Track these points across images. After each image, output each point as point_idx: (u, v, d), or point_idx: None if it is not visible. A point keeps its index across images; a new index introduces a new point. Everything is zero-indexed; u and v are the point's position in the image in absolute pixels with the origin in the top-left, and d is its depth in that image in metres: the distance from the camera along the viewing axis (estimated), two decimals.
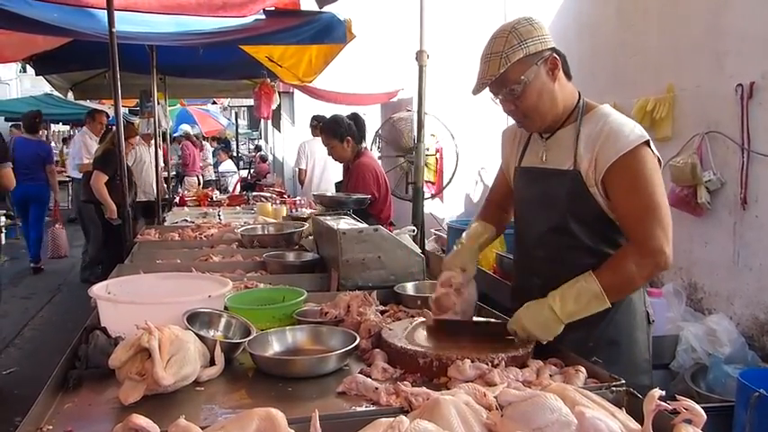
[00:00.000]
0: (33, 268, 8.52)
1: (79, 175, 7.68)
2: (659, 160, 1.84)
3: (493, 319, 2.03)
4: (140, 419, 1.16)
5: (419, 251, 2.69)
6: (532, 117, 1.90)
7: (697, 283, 3.53)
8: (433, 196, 6.90)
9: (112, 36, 3.87)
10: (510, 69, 1.80)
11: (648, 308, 2.05)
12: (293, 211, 5.11)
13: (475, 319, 2.01)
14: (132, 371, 1.50)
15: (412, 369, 1.67)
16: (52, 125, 18.50)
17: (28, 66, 8.15)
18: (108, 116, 8.16)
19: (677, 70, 3.63)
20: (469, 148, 6.40)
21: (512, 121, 2.05)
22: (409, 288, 2.46)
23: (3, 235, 6.10)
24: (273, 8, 4.95)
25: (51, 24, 4.31)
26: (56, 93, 10.76)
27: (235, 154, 17.25)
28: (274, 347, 1.84)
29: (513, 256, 2.24)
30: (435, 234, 6.30)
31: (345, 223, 2.88)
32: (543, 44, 1.83)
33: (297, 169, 7.82)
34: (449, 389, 1.47)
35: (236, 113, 22.77)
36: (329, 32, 4.98)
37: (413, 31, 3.97)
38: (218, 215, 5.41)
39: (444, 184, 6.85)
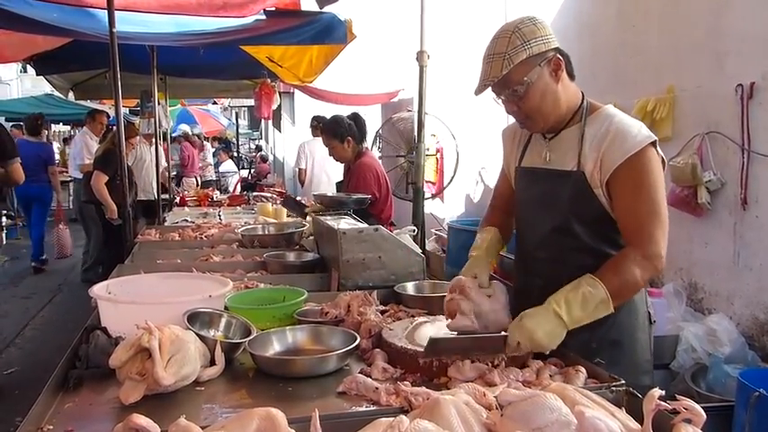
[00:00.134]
0: (34, 268, 8.54)
1: (81, 176, 7.70)
2: (663, 160, 1.83)
3: (489, 334, 1.79)
4: (141, 419, 1.16)
5: (419, 251, 2.69)
6: (535, 118, 1.89)
7: (697, 283, 3.53)
8: (433, 196, 6.90)
9: (113, 36, 3.88)
10: (512, 71, 1.78)
11: (650, 308, 2.04)
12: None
13: (469, 336, 1.77)
14: (133, 371, 1.50)
15: (412, 369, 1.67)
16: (53, 125, 18.49)
17: (28, 66, 8.16)
18: (108, 116, 8.17)
19: (678, 70, 3.63)
20: (470, 148, 6.40)
21: (513, 121, 2.04)
22: (409, 288, 2.45)
23: (3, 234, 6.10)
24: (274, 8, 4.95)
25: (52, 24, 4.31)
26: (56, 93, 10.77)
27: (235, 154, 17.27)
28: (275, 347, 1.84)
29: (514, 256, 2.22)
30: (436, 234, 6.32)
31: (346, 223, 2.88)
32: (546, 45, 1.81)
33: (297, 169, 7.84)
34: (449, 389, 1.47)
35: (236, 114, 22.78)
36: (330, 33, 4.98)
37: (413, 32, 3.98)
38: (219, 215, 5.41)
39: (445, 185, 6.85)
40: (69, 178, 10.04)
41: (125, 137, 4.65)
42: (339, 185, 5.03)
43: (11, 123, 13.69)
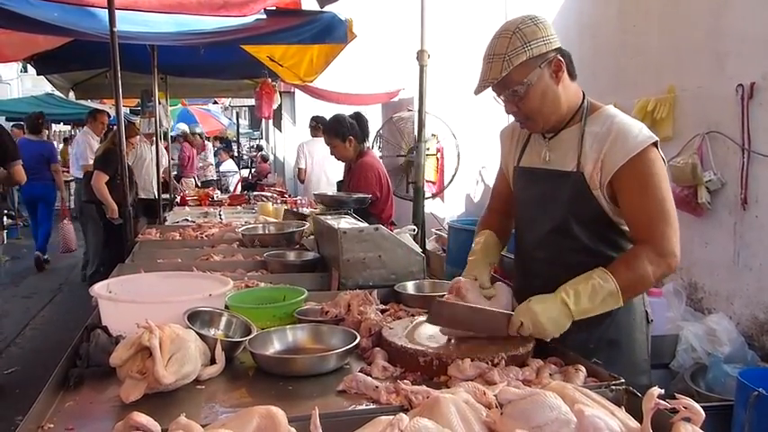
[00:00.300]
0: (36, 262, 8.53)
1: (82, 176, 7.70)
2: (663, 160, 1.83)
3: (494, 309, 1.83)
4: (141, 417, 1.16)
5: (420, 250, 2.69)
6: (535, 119, 1.89)
7: (697, 282, 3.53)
8: (433, 196, 6.90)
9: (113, 36, 3.88)
10: (512, 72, 1.77)
11: (647, 307, 2.05)
12: (294, 209, 5.11)
13: (476, 306, 1.84)
14: (133, 369, 1.50)
15: (412, 368, 1.68)
16: (53, 125, 18.51)
17: (29, 65, 8.16)
18: (109, 116, 8.18)
19: (678, 71, 3.63)
20: (471, 148, 6.40)
21: (513, 120, 2.04)
22: (410, 287, 2.45)
23: (4, 233, 6.10)
24: (274, 8, 4.95)
25: (52, 24, 4.31)
26: (57, 92, 10.77)
27: (236, 154, 17.26)
28: (275, 346, 1.84)
29: (514, 256, 2.22)
30: (436, 234, 6.32)
31: (346, 222, 2.88)
32: (547, 45, 1.80)
33: (297, 169, 7.84)
34: (449, 387, 1.47)
35: (237, 113, 22.78)
36: (330, 32, 4.98)
37: (414, 31, 3.98)
38: (219, 215, 5.42)
39: (445, 184, 6.85)
40: (71, 178, 10.06)
41: (125, 136, 4.65)
42: (340, 185, 5.02)
43: (11, 123, 13.71)
